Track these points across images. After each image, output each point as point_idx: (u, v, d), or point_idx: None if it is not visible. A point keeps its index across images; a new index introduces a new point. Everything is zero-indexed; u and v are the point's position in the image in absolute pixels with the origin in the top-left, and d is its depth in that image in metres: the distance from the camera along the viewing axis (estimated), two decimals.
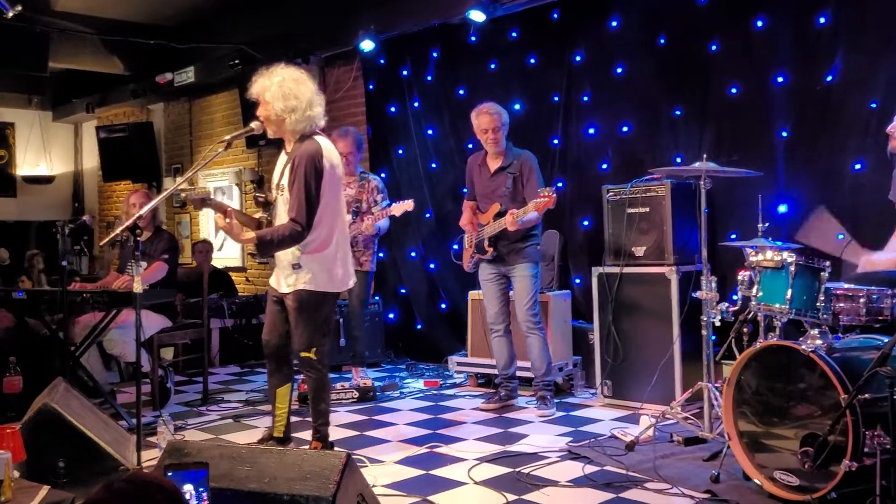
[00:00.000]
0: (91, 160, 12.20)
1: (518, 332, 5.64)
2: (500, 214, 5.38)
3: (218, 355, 7.81)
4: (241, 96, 8.90)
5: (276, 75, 4.14)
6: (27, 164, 12.12)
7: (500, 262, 5.52)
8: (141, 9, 8.77)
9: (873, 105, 4.91)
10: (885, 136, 4.14)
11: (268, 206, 4.32)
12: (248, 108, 8.42)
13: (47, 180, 12.28)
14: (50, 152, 12.32)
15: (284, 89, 4.10)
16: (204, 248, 8.44)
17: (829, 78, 5.14)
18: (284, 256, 4.17)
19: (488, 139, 5.49)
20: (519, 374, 5.75)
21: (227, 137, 4.14)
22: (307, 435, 4.48)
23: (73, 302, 5.20)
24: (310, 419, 4.40)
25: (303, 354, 4.19)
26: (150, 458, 4.16)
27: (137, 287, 3.83)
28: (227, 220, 4.00)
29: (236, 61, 8.49)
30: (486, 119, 5.48)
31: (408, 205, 6.05)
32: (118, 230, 3.96)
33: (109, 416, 4.59)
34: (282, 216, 4.14)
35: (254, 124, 4.20)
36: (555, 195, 5.09)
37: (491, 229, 5.44)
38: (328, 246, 4.19)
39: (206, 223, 10.16)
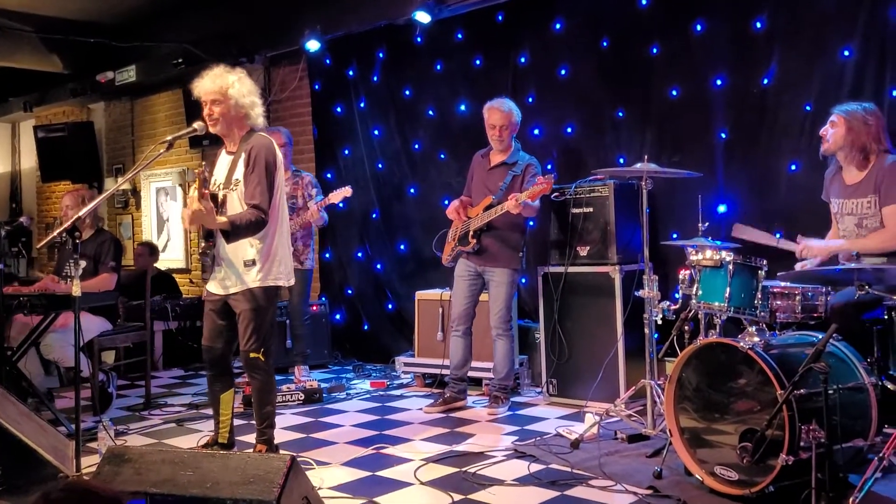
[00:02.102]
0: (29, 160, 11.92)
1: (479, 334, 5.67)
2: (491, 207, 5.36)
3: (161, 358, 7.70)
4: (185, 96, 8.79)
5: (231, 73, 4.20)
6: None
7: (480, 260, 5.47)
8: (81, 6, 8.59)
9: (807, 108, 5.04)
10: (819, 138, 4.26)
11: (214, 203, 4.24)
12: (192, 108, 8.34)
13: None
14: None
15: (247, 85, 4.21)
16: (147, 250, 8.31)
17: (766, 81, 5.26)
18: (236, 254, 4.14)
19: (494, 136, 5.44)
20: (470, 374, 5.75)
21: (170, 138, 4.09)
22: (252, 438, 4.44)
23: (10, 305, 5.07)
24: (254, 422, 4.36)
25: (252, 356, 4.15)
26: (90, 464, 4.09)
27: (76, 290, 3.76)
28: (204, 202, 3.93)
29: (180, 60, 8.37)
30: (496, 115, 5.43)
31: (346, 191, 6.17)
32: (56, 232, 3.88)
33: (48, 422, 4.49)
34: (234, 211, 4.10)
35: (197, 125, 4.16)
36: (552, 180, 5.09)
37: (479, 220, 5.41)
38: (276, 238, 4.21)
39: (149, 224, 10.00)
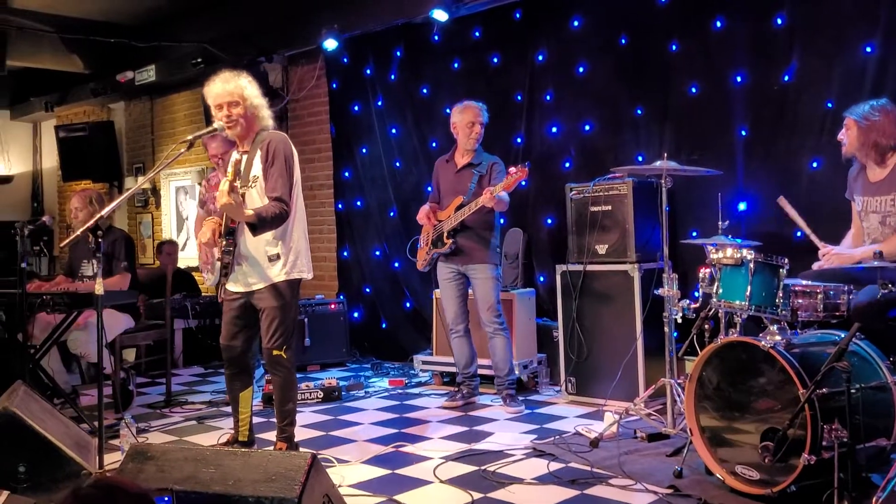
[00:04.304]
0: (50, 160, 12.01)
1: (478, 331, 5.67)
2: (461, 207, 5.41)
3: (181, 356, 7.75)
4: (204, 95, 8.83)
5: (241, 76, 4.25)
6: None
7: (458, 260, 5.51)
8: (101, 7, 8.65)
9: (829, 105, 5.00)
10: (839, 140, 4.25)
11: None
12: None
13: (5, 180, 12.05)
14: (8, 152, 12.11)
15: (256, 88, 4.27)
16: (170, 249, 8.35)
17: (786, 78, 5.23)
18: (259, 250, 4.16)
19: (474, 133, 5.51)
20: (480, 371, 5.78)
21: (190, 137, 4.12)
22: (272, 436, 4.46)
23: (32, 304, 5.12)
24: (274, 420, 4.38)
25: (275, 353, 4.17)
26: (113, 461, 4.13)
27: (99, 288, 3.79)
28: (234, 195, 3.93)
29: (199, 60, 8.41)
30: (472, 114, 5.52)
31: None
32: (79, 231, 3.91)
33: (71, 420, 4.54)
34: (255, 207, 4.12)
35: (217, 124, 4.18)
36: (527, 169, 5.12)
37: (452, 221, 5.45)
38: (297, 231, 4.25)
39: (169, 223, 10.06)
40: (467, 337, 5.67)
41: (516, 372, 5.64)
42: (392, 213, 7.58)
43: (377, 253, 7.73)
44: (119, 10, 8.77)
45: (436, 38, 7.10)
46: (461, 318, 5.64)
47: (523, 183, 5.35)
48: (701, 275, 4.10)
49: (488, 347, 5.56)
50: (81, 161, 10.56)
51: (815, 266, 4.15)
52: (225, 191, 3.88)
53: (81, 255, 5.87)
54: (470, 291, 5.63)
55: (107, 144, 10.64)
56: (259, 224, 3.99)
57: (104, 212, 4.04)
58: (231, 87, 4.16)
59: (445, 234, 5.49)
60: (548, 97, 6.48)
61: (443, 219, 5.56)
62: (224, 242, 4.18)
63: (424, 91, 7.33)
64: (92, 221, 3.83)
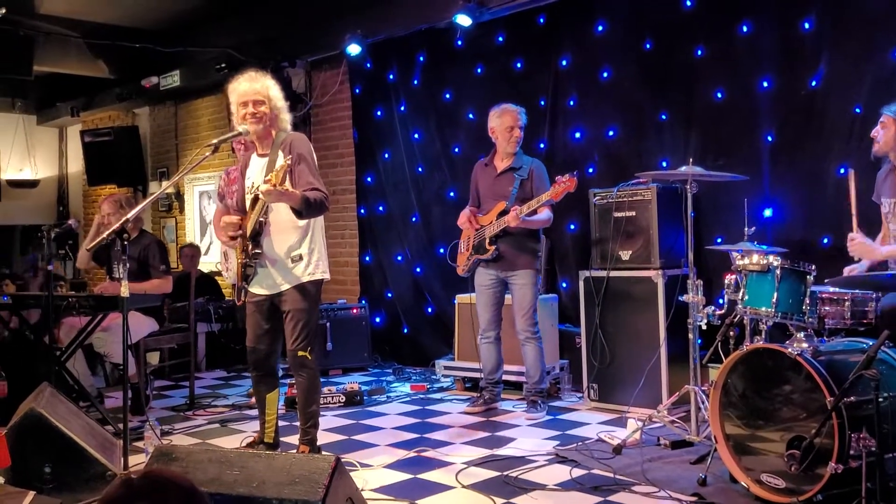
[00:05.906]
0: (76, 164, 12.13)
1: (508, 338, 5.65)
2: (505, 212, 5.36)
3: (204, 360, 7.78)
4: (229, 100, 8.88)
5: (266, 76, 4.31)
6: (11, 168, 12.02)
7: (499, 266, 5.47)
8: (127, 12, 8.73)
9: (857, 110, 4.95)
10: (870, 140, 4.19)
11: (253, 204, 4.26)
12: None
13: (32, 184, 12.18)
14: (34, 156, 12.24)
15: (279, 89, 4.33)
16: (191, 253, 8.40)
17: (814, 83, 5.18)
18: (283, 251, 4.19)
19: (514, 137, 5.47)
20: (504, 377, 5.77)
21: (215, 141, 4.13)
22: (294, 439, 4.47)
23: (59, 306, 5.16)
24: (297, 423, 4.39)
25: (300, 354, 4.20)
26: (137, 462, 4.15)
27: (124, 291, 3.81)
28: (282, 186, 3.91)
29: (223, 65, 8.46)
30: (512, 117, 5.47)
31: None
32: (106, 234, 3.94)
33: (96, 421, 4.57)
34: (280, 211, 4.14)
35: (241, 128, 4.20)
36: (576, 178, 5.09)
37: (494, 227, 5.41)
38: (319, 232, 4.29)
39: (192, 227, 10.12)
40: (497, 344, 5.64)
41: (546, 381, 5.59)
42: (414, 219, 7.58)
43: (399, 258, 7.73)
44: (144, 16, 8.84)
45: (459, 43, 7.10)
46: (494, 325, 5.62)
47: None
48: (726, 281, 4.07)
49: (521, 354, 5.54)
50: (107, 165, 10.66)
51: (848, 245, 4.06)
52: (275, 182, 3.79)
53: (114, 257, 5.91)
54: (507, 297, 5.60)
55: (132, 149, 10.73)
56: (305, 209, 4.00)
57: (129, 215, 4.06)
58: (258, 86, 4.21)
59: (487, 241, 5.46)
60: (571, 102, 6.46)
61: (484, 224, 5.52)
62: (250, 245, 4.19)
63: (447, 96, 7.33)
64: (117, 225, 3.85)
